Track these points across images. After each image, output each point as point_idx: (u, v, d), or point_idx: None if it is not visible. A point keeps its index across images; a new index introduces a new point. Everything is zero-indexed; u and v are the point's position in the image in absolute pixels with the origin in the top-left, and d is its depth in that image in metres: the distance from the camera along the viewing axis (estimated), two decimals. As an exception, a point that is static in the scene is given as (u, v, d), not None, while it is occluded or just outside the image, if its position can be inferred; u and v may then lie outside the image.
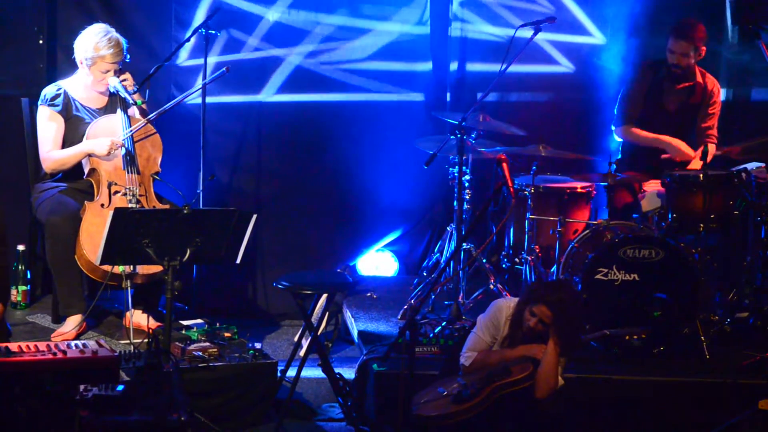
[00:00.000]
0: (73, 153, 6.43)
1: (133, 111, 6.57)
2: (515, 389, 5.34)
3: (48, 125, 6.47)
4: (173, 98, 7.32)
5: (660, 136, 7.26)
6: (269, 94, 7.59)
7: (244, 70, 7.48)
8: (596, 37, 7.90)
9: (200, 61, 7.02)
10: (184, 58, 7.41)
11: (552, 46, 7.85)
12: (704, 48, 7.20)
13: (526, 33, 6.82)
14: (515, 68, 7.06)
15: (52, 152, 6.45)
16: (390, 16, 7.72)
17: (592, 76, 7.82)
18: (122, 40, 6.48)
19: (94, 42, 6.41)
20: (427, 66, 7.78)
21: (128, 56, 6.55)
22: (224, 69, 6.66)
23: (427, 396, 5.46)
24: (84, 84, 6.54)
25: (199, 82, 6.92)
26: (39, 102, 6.50)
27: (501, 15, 7.73)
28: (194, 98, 6.91)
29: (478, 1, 7.82)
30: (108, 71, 6.45)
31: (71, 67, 6.60)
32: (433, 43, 7.76)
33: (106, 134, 6.45)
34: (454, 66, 7.81)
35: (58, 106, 6.48)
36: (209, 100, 7.00)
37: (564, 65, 7.89)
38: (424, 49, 7.77)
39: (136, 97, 6.49)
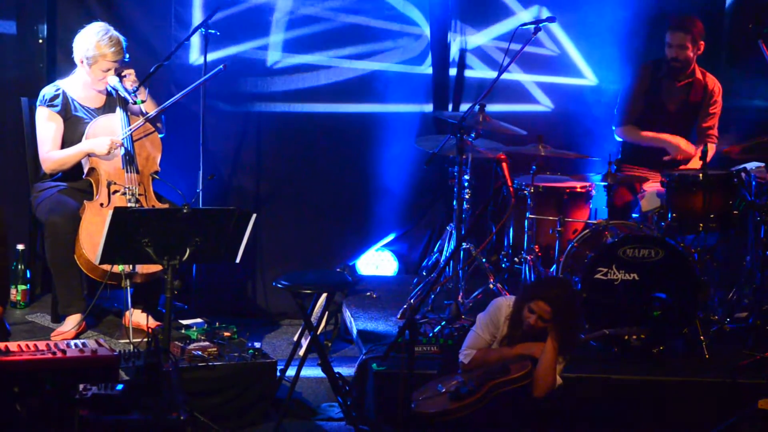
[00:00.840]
0: (73, 153, 6.43)
1: (139, 109, 6.56)
2: (513, 387, 5.35)
3: (47, 126, 6.46)
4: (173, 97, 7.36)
5: (660, 134, 7.26)
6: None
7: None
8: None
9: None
10: (194, 57, 7.42)
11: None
12: (702, 43, 7.20)
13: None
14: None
15: (51, 152, 6.45)
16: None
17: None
18: (122, 39, 6.48)
19: (95, 41, 6.41)
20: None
21: (127, 55, 6.55)
22: (221, 66, 6.66)
23: (426, 393, 5.46)
24: (83, 83, 6.54)
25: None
26: (37, 102, 6.49)
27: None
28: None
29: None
30: (109, 70, 6.44)
31: (71, 66, 6.60)
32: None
33: (106, 133, 6.45)
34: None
35: (56, 106, 6.47)
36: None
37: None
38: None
39: (139, 94, 6.49)
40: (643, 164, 7.18)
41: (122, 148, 6.42)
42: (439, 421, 5.37)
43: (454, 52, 7.85)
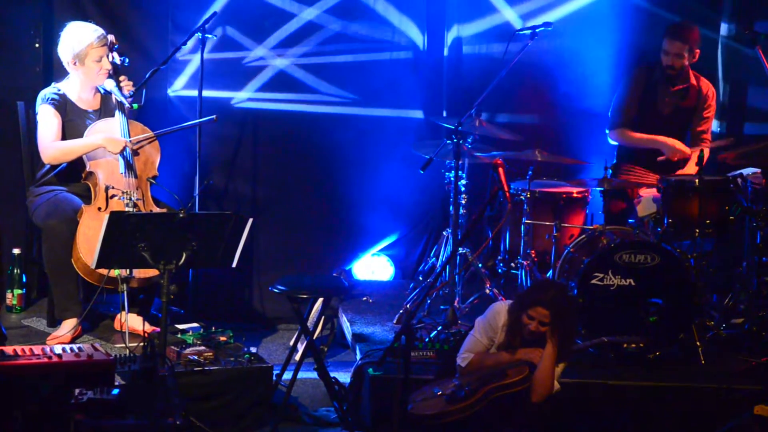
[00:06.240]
0: (82, 144, 6.41)
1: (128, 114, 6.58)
2: (510, 392, 5.34)
3: (50, 120, 6.43)
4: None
5: (654, 136, 7.25)
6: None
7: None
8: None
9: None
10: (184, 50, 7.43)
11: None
12: (698, 50, 7.22)
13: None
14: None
15: (56, 142, 6.42)
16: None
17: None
18: (99, 27, 6.48)
19: (77, 37, 6.41)
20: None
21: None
22: (213, 117, 6.70)
23: (423, 395, 5.46)
24: (79, 87, 6.53)
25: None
26: (40, 101, 6.46)
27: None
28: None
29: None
30: (101, 57, 6.42)
31: (67, 70, 6.59)
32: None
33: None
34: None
35: (58, 105, 6.47)
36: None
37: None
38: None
39: (136, 99, 6.51)
40: (640, 164, 7.18)
41: (123, 152, 6.43)
42: (435, 424, 5.36)
43: (449, 57, 7.87)
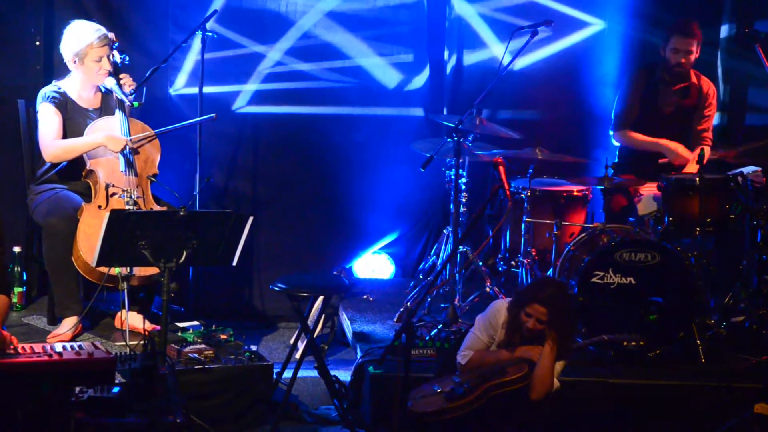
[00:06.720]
0: (83, 142, 6.41)
1: (129, 112, 6.58)
2: (509, 389, 5.34)
3: (51, 118, 6.44)
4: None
5: (657, 139, 7.26)
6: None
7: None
8: (595, 23, 7.92)
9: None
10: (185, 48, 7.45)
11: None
12: (699, 47, 7.22)
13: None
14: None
15: (57, 140, 6.43)
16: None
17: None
18: (101, 26, 6.48)
19: (77, 36, 6.41)
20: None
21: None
22: (213, 115, 6.71)
23: (422, 393, 5.46)
24: (80, 85, 6.54)
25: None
26: (41, 100, 6.47)
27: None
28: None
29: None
30: (101, 58, 6.43)
31: (68, 68, 6.59)
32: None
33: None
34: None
35: (58, 103, 6.47)
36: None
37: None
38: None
39: (137, 98, 6.52)
40: (637, 172, 7.17)
41: (124, 150, 6.43)
42: (434, 421, 5.36)
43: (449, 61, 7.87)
